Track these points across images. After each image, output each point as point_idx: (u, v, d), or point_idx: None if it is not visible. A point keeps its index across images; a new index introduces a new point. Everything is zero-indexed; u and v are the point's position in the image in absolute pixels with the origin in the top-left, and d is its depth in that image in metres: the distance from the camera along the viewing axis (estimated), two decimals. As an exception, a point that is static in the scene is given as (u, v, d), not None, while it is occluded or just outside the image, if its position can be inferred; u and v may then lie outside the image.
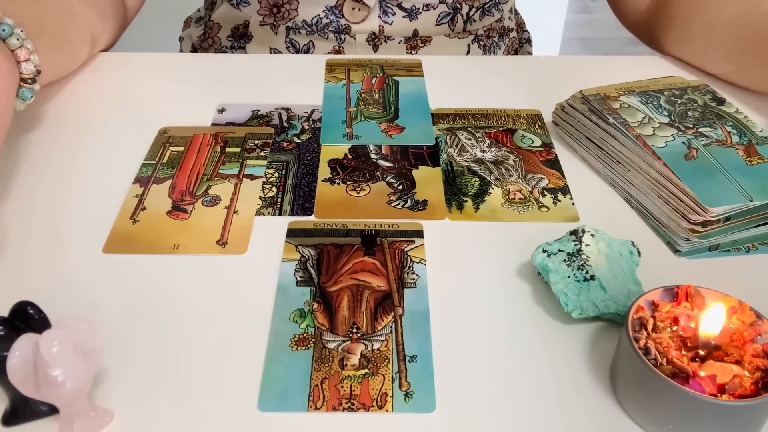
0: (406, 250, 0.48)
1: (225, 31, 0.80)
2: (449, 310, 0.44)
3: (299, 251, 0.48)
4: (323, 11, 0.74)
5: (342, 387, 0.39)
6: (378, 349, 0.41)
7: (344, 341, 0.42)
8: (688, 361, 0.37)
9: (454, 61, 0.73)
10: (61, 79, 0.66)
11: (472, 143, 0.59)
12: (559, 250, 0.44)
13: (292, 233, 0.50)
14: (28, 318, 0.36)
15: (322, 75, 0.69)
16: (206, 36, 0.83)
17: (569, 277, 0.43)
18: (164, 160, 0.57)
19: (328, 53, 0.76)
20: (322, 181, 0.55)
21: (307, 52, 0.77)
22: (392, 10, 0.74)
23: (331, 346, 0.41)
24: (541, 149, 0.59)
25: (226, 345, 0.42)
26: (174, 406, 0.38)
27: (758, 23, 0.63)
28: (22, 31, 0.53)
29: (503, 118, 0.63)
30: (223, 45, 0.81)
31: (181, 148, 0.58)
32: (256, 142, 0.59)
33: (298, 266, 0.47)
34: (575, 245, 0.44)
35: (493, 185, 0.55)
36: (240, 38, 0.79)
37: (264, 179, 0.55)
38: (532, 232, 0.50)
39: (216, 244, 0.49)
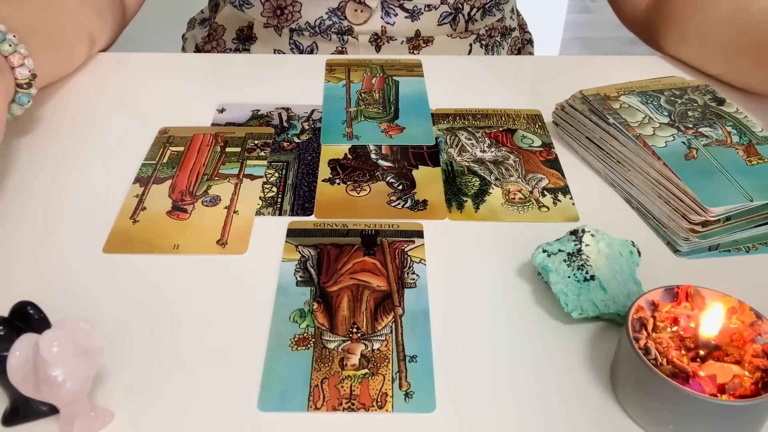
0: (406, 250, 0.48)
1: (230, 33, 0.80)
2: (449, 310, 0.44)
3: (299, 251, 0.48)
4: (326, 13, 0.74)
5: (342, 387, 0.39)
6: (378, 349, 0.41)
7: (344, 341, 0.42)
8: (688, 361, 0.37)
9: (454, 61, 0.73)
10: (61, 79, 0.66)
11: (472, 143, 0.59)
12: (559, 250, 0.44)
13: (292, 233, 0.50)
14: (28, 318, 0.36)
15: (322, 75, 0.69)
16: (211, 38, 0.83)
17: (569, 277, 0.43)
18: (164, 160, 0.57)
19: (331, 54, 0.76)
20: (322, 181, 0.55)
21: (310, 53, 0.77)
22: (394, 10, 0.74)
23: (331, 346, 0.42)
24: (541, 149, 0.59)
25: (226, 345, 0.42)
26: (174, 406, 0.38)
27: (750, 24, 0.63)
28: (14, 36, 0.53)
29: (503, 118, 0.63)
30: (227, 47, 0.81)
31: (181, 148, 0.58)
32: (256, 142, 0.59)
33: (298, 266, 0.47)
34: (575, 245, 0.44)
35: (493, 185, 0.55)
36: (245, 40, 0.79)
37: (264, 179, 0.55)
38: (532, 232, 0.50)
39: (216, 244, 0.49)
